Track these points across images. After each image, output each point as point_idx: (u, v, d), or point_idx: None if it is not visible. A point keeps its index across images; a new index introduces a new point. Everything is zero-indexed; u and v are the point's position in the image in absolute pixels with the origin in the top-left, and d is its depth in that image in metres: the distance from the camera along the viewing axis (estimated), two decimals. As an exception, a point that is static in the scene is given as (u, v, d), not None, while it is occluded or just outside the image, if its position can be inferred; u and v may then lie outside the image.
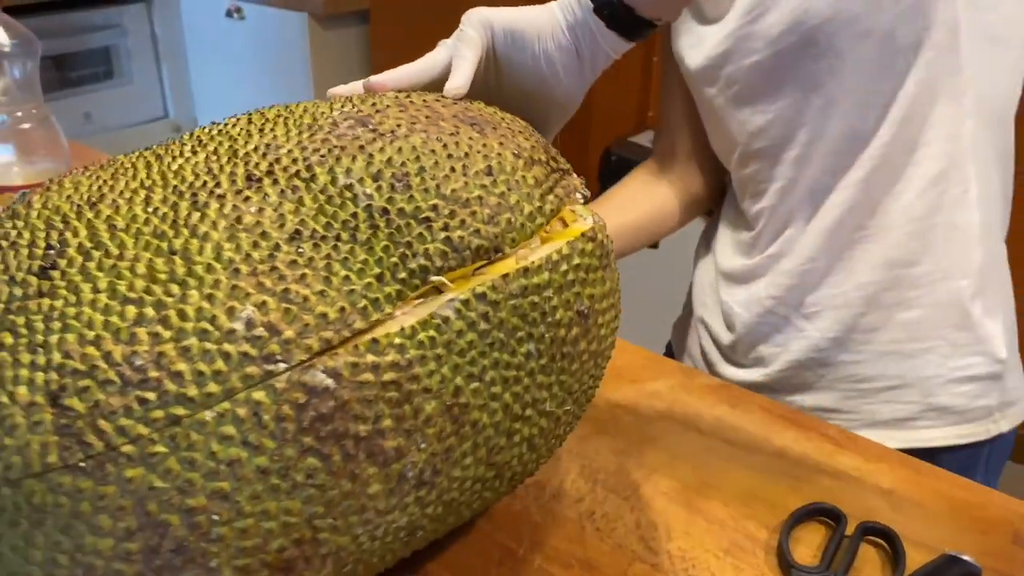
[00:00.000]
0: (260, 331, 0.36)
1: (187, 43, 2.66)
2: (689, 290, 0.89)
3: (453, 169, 0.43)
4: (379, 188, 0.41)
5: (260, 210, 0.39)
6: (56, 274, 0.37)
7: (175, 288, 0.36)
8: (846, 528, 0.55)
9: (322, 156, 0.42)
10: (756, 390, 0.76)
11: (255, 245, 0.38)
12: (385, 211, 0.41)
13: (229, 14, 2.47)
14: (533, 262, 0.43)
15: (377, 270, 0.40)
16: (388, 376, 0.38)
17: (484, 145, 0.45)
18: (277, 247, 0.38)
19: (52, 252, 0.38)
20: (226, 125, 0.46)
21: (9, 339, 0.36)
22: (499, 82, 0.55)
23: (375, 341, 0.38)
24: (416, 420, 0.39)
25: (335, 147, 0.42)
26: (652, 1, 0.53)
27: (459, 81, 0.51)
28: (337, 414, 0.37)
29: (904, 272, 0.70)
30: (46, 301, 0.37)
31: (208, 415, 0.35)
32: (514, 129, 0.48)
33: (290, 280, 0.37)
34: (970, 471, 0.71)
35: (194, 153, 0.43)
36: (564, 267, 0.44)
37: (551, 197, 0.46)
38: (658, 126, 0.88)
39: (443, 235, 0.41)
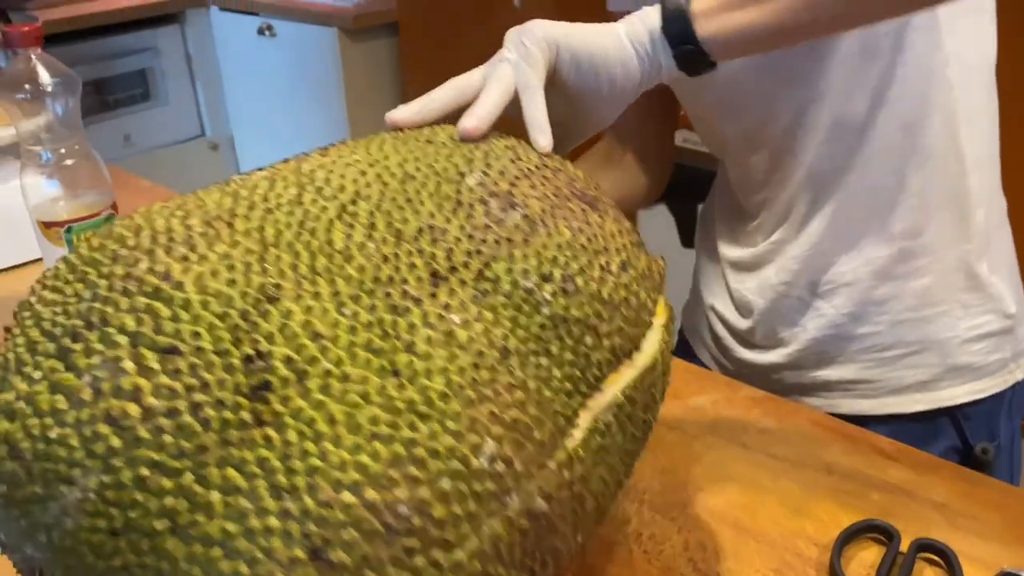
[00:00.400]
0: (500, 466, 0.36)
1: (220, 62, 2.70)
2: (694, 276, 0.90)
3: (602, 268, 0.44)
4: (554, 293, 0.42)
5: (466, 322, 0.39)
6: (273, 397, 0.34)
7: (419, 423, 0.35)
8: (900, 545, 0.54)
9: (493, 250, 0.42)
10: (778, 370, 0.78)
11: (476, 367, 0.37)
12: (564, 320, 0.41)
13: (260, 32, 2.51)
14: (653, 354, 0.45)
15: (568, 385, 0.41)
16: (577, 488, 0.40)
17: (611, 234, 0.46)
18: (494, 369, 0.38)
19: (257, 367, 0.35)
20: (345, 179, 0.43)
21: (241, 481, 0.33)
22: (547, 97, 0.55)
23: (570, 458, 0.40)
24: (581, 517, 0.41)
25: (501, 238, 0.42)
26: (729, 50, 0.55)
27: (483, 112, 0.51)
28: (547, 533, 0.38)
29: (910, 243, 0.71)
30: (273, 434, 0.34)
31: (461, 555, 0.35)
32: (609, 202, 0.49)
33: (513, 406, 0.38)
34: (994, 420, 0.75)
35: (342, 221, 0.41)
36: (665, 348, 0.47)
37: (655, 280, 0.48)
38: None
39: (607, 343, 0.43)
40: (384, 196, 0.43)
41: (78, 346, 0.36)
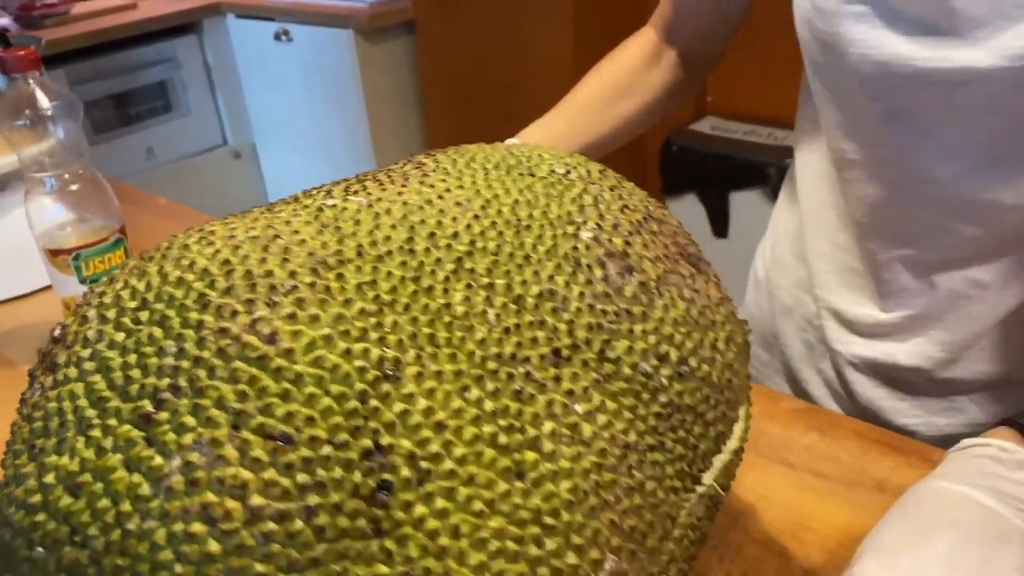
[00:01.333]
0: None
1: (239, 69, 2.69)
2: (765, 297, 0.80)
3: (712, 346, 0.41)
4: (670, 377, 0.39)
5: (589, 413, 0.35)
6: (393, 502, 0.30)
7: (545, 538, 0.32)
8: (962, 571, 0.49)
9: (614, 325, 0.38)
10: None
11: (599, 468, 0.34)
12: (678, 408, 0.38)
13: (277, 37, 2.49)
14: (741, 435, 0.44)
15: (677, 483, 0.38)
16: None
17: (716, 302, 0.43)
18: (616, 470, 0.35)
19: (376, 464, 0.30)
20: (459, 224, 0.38)
21: None
22: None
23: (669, 561, 0.37)
24: None
25: (621, 311, 0.39)
26: None
27: None
28: None
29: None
30: (392, 547, 0.30)
31: None
32: (705, 258, 0.46)
33: (630, 513, 0.35)
34: None
35: (459, 278, 0.36)
36: (748, 426, 0.45)
37: (747, 352, 0.45)
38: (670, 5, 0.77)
39: (712, 431, 0.40)
40: (501, 250, 0.38)
41: (164, 416, 0.30)
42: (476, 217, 0.39)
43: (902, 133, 0.57)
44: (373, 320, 0.33)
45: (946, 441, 0.61)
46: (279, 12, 2.47)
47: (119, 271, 0.37)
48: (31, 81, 0.75)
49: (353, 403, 0.31)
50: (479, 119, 2.24)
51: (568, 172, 0.44)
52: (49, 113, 0.76)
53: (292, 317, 0.32)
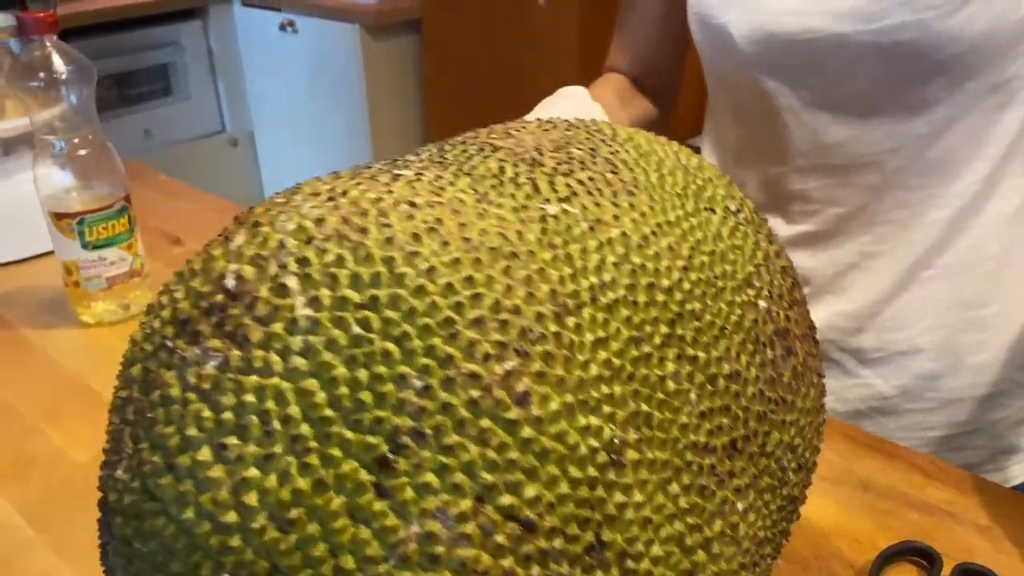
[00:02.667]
0: None
1: (242, 58, 2.70)
2: None
3: (818, 434, 0.41)
4: (795, 470, 0.38)
5: (745, 512, 0.34)
6: None
7: None
8: (941, 569, 0.51)
9: (776, 415, 0.36)
10: None
11: (743, 568, 0.34)
12: (793, 499, 0.38)
13: (282, 28, 2.50)
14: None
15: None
16: None
17: (821, 381, 0.42)
18: (754, 568, 0.34)
19: (594, 561, 0.29)
20: (672, 275, 0.35)
21: None
22: None
23: None
24: None
25: (779, 399, 0.37)
26: None
27: None
28: None
29: (975, 314, 0.64)
30: None
31: None
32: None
33: None
34: None
35: (672, 346, 0.33)
36: None
37: None
38: (622, 40, 0.82)
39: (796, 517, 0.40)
40: (703, 316, 0.35)
41: (403, 466, 0.27)
42: (685, 269, 0.35)
43: (787, 103, 0.63)
44: (606, 390, 0.30)
45: (858, 416, 0.68)
46: (286, 3, 2.47)
47: (278, 205, 0.33)
48: (48, 44, 0.76)
49: (584, 490, 0.29)
50: (480, 121, 2.25)
51: (738, 211, 0.41)
52: (64, 77, 0.76)
53: (541, 376, 0.29)
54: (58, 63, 0.76)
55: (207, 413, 0.28)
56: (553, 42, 1.96)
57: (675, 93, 0.85)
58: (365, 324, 0.29)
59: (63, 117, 0.77)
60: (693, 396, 0.33)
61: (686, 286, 0.34)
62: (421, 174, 0.34)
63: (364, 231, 0.31)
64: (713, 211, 0.39)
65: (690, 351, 0.33)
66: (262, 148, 2.82)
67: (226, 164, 2.77)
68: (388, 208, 0.32)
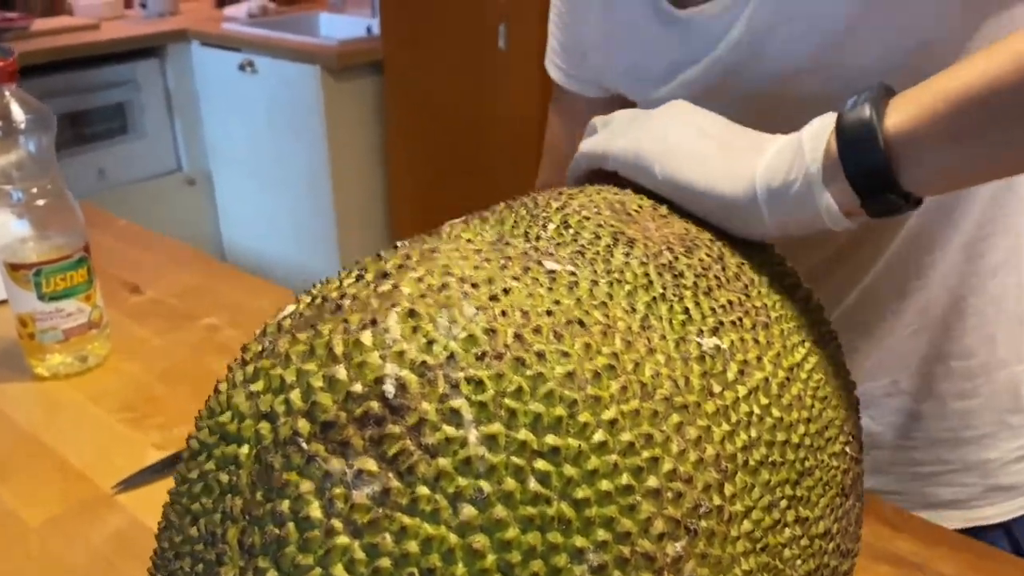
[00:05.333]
0: None
1: (200, 97, 2.68)
2: None
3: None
4: None
5: None
6: None
7: None
8: (911, 624, 0.51)
9: (840, 569, 0.37)
10: None
11: None
12: None
13: (242, 68, 2.49)
14: None
15: None
16: None
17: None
18: None
19: None
20: (787, 451, 0.34)
21: None
22: None
23: None
24: None
25: (847, 549, 0.37)
26: (934, 185, 0.42)
27: None
28: None
29: (960, 364, 0.65)
30: None
31: None
32: None
33: None
34: None
35: (794, 508, 0.34)
36: None
37: None
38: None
39: None
40: (815, 470, 0.35)
41: None
42: (808, 421, 0.36)
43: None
44: (745, 566, 0.30)
45: None
46: (246, 44, 2.47)
47: (433, 291, 0.31)
48: (7, 93, 0.74)
49: None
50: (442, 162, 2.26)
51: (834, 336, 0.42)
52: (22, 126, 0.75)
53: (704, 558, 0.29)
54: (17, 112, 0.75)
55: (360, 555, 0.26)
56: (514, 83, 1.99)
57: None
58: (544, 479, 0.27)
59: (21, 166, 0.76)
60: (799, 562, 0.33)
61: (808, 441, 0.35)
62: (574, 273, 0.34)
63: (542, 357, 0.29)
64: (822, 343, 0.40)
65: (803, 511, 0.33)
66: (220, 188, 2.79)
67: (182, 204, 2.74)
68: (562, 329, 0.30)
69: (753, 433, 0.32)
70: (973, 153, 0.40)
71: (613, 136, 0.49)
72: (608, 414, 0.29)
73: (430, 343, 0.29)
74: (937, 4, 0.52)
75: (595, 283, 0.34)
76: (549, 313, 0.31)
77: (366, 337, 0.29)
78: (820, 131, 0.42)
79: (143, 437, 0.72)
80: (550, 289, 0.32)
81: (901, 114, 0.40)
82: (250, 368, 0.32)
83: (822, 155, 0.41)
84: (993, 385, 0.66)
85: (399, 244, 0.39)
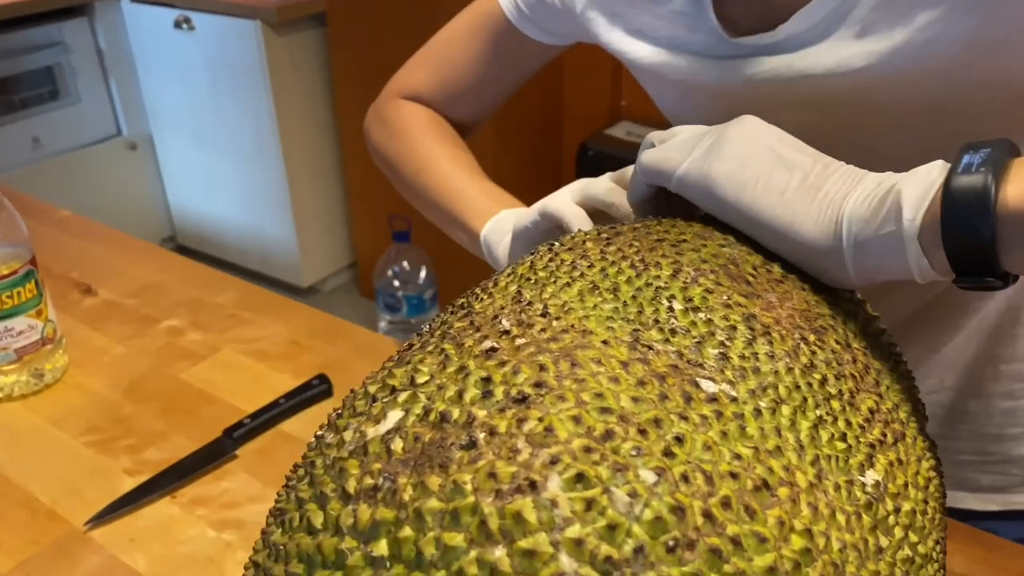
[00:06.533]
0: None
1: (135, 57, 2.55)
2: None
3: None
4: None
5: None
6: None
7: None
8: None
9: None
10: None
11: None
12: None
13: (178, 25, 2.36)
14: None
15: None
16: None
17: None
18: None
19: None
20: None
21: None
22: None
23: None
24: None
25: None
26: None
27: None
28: None
29: (1008, 368, 0.65)
30: None
31: None
32: None
33: None
34: None
35: None
36: None
37: None
38: (435, 66, 0.77)
39: None
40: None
41: None
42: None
43: None
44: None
45: None
46: (179, -2, 2.34)
47: (597, 444, 0.27)
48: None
49: None
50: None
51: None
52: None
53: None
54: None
55: None
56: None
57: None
58: None
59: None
60: None
61: (934, 569, 0.35)
62: (735, 399, 0.31)
63: (738, 546, 0.26)
64: (921, 412, 0.42)
65: None
66: (163, 152, 2.68)
67: (125, 170, 2.63)
68: (750, 499, 0.27)
69: None
70: None
71: (677, 154, 0.44)
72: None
73: (611, 528, 0.25)
74: None
75: (758, 412, 0.31)
76: (733, 476, 0.28)
77: (528, 511, 0.25)
78: (923, 186, 0.37)
79: (113, 463, 0.68)
80: (724, 433, 0.29)
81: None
82: (363, 511, 0.27)
83: (923, 214, 0.37)
84: None
85: (500, 314, 0.35)
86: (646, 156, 0.46)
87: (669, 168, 0.44)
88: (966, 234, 0.36)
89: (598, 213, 0.53)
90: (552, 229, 0.55)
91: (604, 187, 0.52)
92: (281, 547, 0.29)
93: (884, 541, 0.31)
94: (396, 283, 2.11)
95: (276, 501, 0.33)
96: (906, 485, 0.34)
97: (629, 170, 0.51)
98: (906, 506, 0.33)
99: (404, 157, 0.76)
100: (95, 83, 2.51)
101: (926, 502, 0.35)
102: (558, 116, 2.21)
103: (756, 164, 0.42)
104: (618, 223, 0.46)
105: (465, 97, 0.78)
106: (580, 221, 0.52)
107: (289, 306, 0.91)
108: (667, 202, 0.48)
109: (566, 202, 0.54)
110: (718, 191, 0.42)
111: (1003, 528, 0.66)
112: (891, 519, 0.32)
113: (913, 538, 0.33)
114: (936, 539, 0.35)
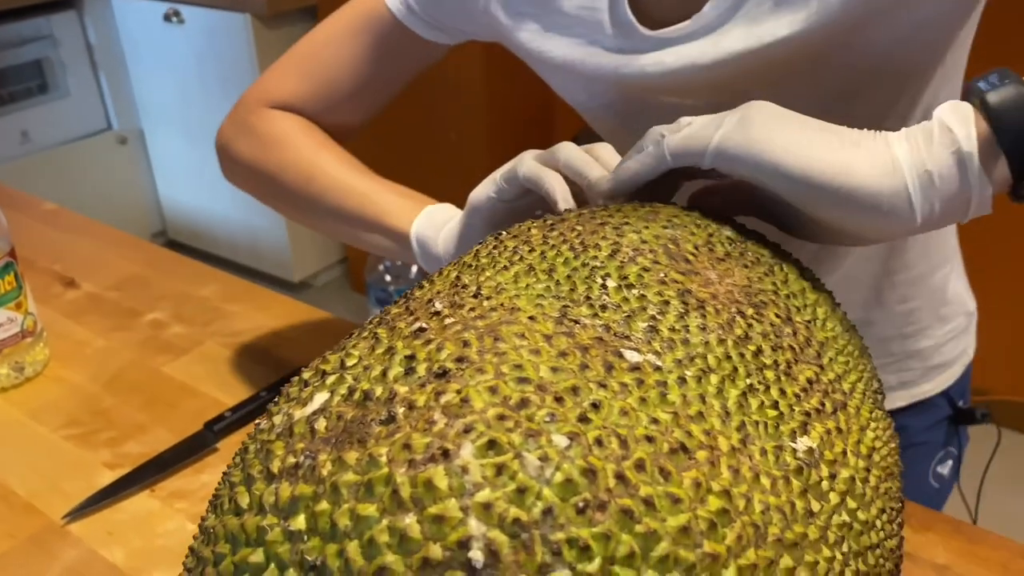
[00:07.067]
0: None
1: (125, 50, 2.53)
2: None
3: None
4: None
5: None
6: None
7: None
8: (906, 619, 0.50)
9: None
10: None
11: None
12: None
13: (167, 18, 2.35)
14: None
15: None
16: None
17: None
18: None
19: None
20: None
21: None
22: None
23: None
24: None
25: None
26: None
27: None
28: None
29: (902, 277, 0.71)
30: None
31: None
32: None
33: None
34: (964, 394, 0.80)
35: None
36: None
37: None
38: (321, 88, 0.75)
39: None
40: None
41: None
42: (881, 550, 0.35)
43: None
44: None
45: None
46: (169, -9, 2.33)
47: (517, 417, 0.27)
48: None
49: None
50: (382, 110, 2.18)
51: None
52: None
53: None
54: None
55: None
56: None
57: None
58: None
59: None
60: None
61: (883, 536, 0.34)
62: (659, 368, 0.31)
63: (651, 506, 0.26)
64: (870, 374, 0.43)
65: None
66: (153, 146, 2.66)
67: (115, 164, 2.61)
68: (666, 461, 0.27)
69: (846, 547, 0.31)
70: None
71: (705, 132, 0.43)
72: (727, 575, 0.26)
73: (520, 491, 0.25)
74: None
75: (682, 380, 0.31)
76: (649, 439, 0.28)
77: (439, 478, 0.25)
78: (961, 112, 0.40)
79: (92, 456, 0.68)
80: (643, 400, 0.29)
81: None
82: (284, 488, 0.27)
83: (974, 134, 0.40)
84: (928, 287, 0.73)
85: (435, 298, 0.34)
86: (672, 140, 0.45)
87: (699, 145, 0.43)
88: (1020, 131, 0.38)
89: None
90: (518, 196, 0.52)
91: (578, 154, 0.50)
92: (211, 530, 0.29)
93: (816, 506, 0.31)
94: (387, 278, 2.10)
95: (216, 490, 0.33)
96: (844, 452, 0.34)
97: (565, 146, 0.50)
98: (844, 472, 0.33)
99: (288, 167, 0.72)
100: (84, 77, 2.50)
101: (868, 470, 0.35)
102: (550, 107, 2.21)
103: (794, 128, 0.42)
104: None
105: (346, 102, 0.74)
106: (558, 182, 0.50)
107: (273, 299, 0.90)
108: (651, 187, 0.48)
109: (538, 165, 0.51)
110: (765, 153, 0.41)
111: (912, 421, 0.76)
112: (824, 484, 0.32)
113: (852, 504, 0.32)
114: (881, 507, 0.35)
